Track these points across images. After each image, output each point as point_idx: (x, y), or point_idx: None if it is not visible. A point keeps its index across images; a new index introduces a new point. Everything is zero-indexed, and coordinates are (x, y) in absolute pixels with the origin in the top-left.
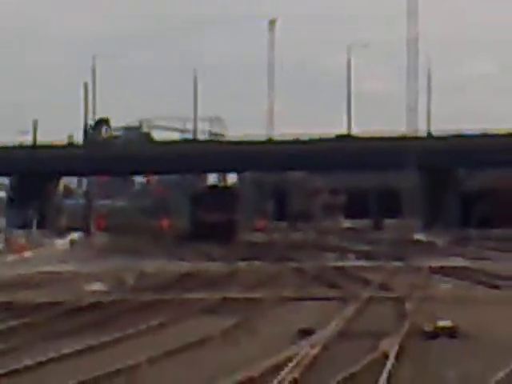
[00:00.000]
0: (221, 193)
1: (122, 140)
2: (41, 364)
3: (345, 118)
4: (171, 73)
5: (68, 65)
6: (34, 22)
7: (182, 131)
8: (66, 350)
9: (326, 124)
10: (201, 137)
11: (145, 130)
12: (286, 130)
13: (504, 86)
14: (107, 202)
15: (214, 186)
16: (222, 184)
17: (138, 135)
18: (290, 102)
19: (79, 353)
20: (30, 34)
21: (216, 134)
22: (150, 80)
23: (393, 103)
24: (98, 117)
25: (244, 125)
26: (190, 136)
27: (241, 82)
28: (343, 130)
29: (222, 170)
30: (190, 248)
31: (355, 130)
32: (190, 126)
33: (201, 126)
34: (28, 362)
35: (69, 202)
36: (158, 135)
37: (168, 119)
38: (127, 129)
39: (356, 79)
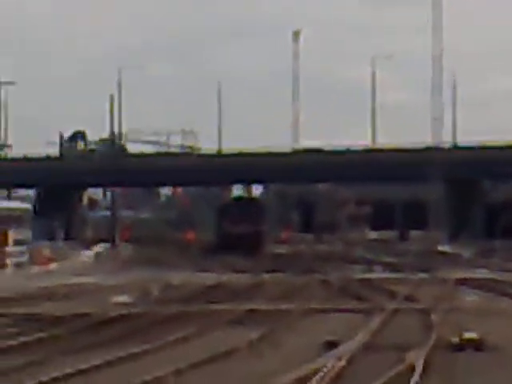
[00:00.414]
0: (247, 204)
1: (97, 153)
2: (68, 376)
3: (369, 129)
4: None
5: (91, 76)
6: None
7: (156, 144)
8: (91, 363)
9: (350, 135)
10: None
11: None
12: (309, 141)
13: None
14: (132, 213)
15: (240, 198)
16: (247, 195)
17: (112, 148)
18: (312, 113)
19: (105, 365)
20: (55, 45)
21: (189, 147)
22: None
23: (420, 114)
24: (124, 127)
25: (268, 137)
26: (163, 149)
27: (264, 93)
28: (368, 142)
29: (247, 182)
30: (216, 259)
31: (380, 141)
32: (164, 139)
33: (174, 139)
34: (55, 373)
35: (94, 213)
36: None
37: (141, 133)
38: (102, 141)
39: (380, 90)
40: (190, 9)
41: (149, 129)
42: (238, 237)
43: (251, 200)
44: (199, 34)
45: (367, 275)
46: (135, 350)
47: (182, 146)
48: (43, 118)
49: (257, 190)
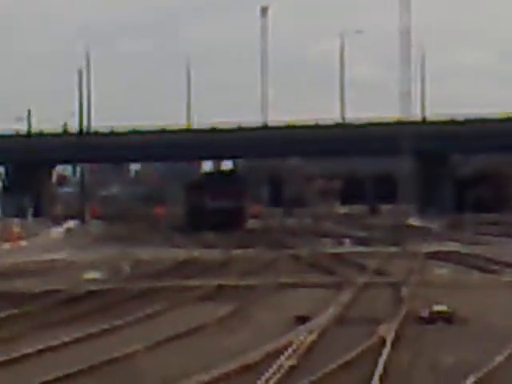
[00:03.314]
0: (227, 178)
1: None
2: (39, 352)
3: (338, 104)
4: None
5: (62, 51)
6: (29, 7)
7: None
8: (62, 339)
9: (319, 110)
10: None
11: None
12: (279, 116)
13: (499, 72)
14: (103, 190)
15: (218, 171)
16: (225, 170)
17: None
18: (282, 88)
19: (76, 341)
20: (26, 20)
21: None
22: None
23: (387, 89)
24: (92, 104)
25: (237, 112)
26: None
27: (233, 69)
28: (337, 117)
29: (218, 157)
30: (186, 235)
31: (348, 116)
32: None
33: None
34: (26, 350)
35: (64, 190)
36: None
37: None
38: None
39: (349, 65)
40: None
41: None
42: (219, 212)
43: (231, 173)
44: (172, 10)
45: (337, 249)
46: (105, 326)
47: None
48: (12, 94)
49: (226, 166)
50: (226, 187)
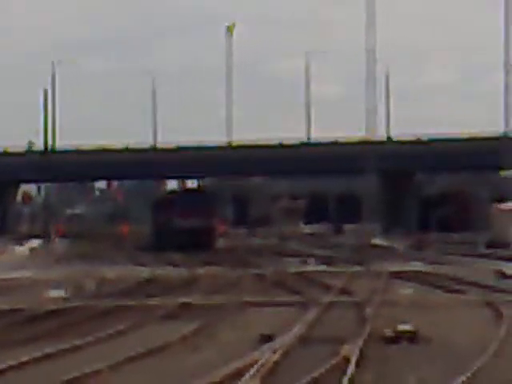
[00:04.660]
0: (196, 196)
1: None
2: None
3: (303, 122)
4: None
5: (28, 68)
6: None
7: None
8: (24, 358)
9: (284, 129)
10: None
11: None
12: (243, 135)
13: (463, 92)
14: (68, 208)
15: (187, 190)
16: (193, 187)
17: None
18: (246, 107)
19: (38, 360)
20: None
21: None
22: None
23: (352, 108)
24: (57, 123)
25: (201, 132)
26: None
27: (198, 88)
28: (302, 135)
29: (183, 176)
30: (151, 253)
31: (314, 135)
32: None
33: None
34: None
35: (28, 208)
36: None
37: None
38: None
39: (315, 84)
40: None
41: None
42: (188, 231)
43: (199, 191)
44: (136, 30)
45: (302, 268)
46: (68, 345)
47: None
48: None
49: (191, 185)
50: (196, 205)
